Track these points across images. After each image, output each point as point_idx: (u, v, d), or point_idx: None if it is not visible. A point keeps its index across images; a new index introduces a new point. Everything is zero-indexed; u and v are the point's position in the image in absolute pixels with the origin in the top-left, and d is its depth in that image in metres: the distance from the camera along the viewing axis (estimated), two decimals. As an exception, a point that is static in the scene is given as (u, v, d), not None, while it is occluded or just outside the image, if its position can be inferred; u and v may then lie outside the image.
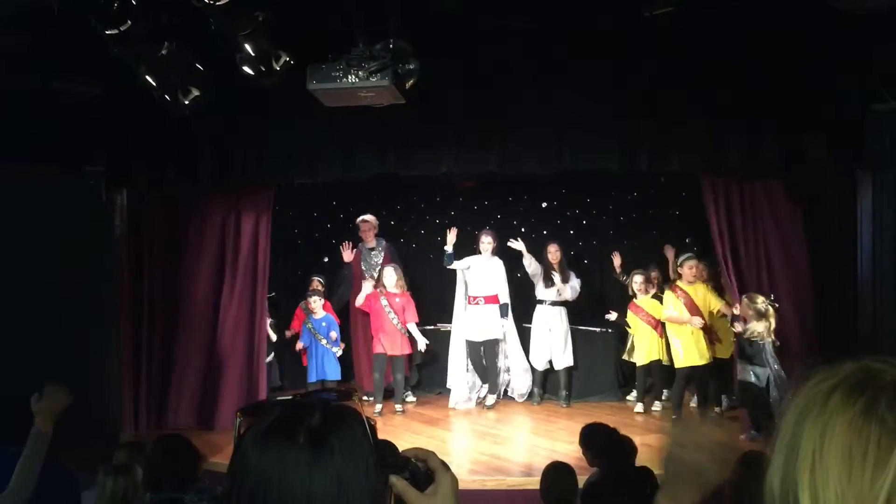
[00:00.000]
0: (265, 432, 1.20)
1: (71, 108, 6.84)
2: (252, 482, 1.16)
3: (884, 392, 0.89)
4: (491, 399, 8.97)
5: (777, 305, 7.00)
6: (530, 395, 9.10)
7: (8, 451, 3.47)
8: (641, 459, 4.79)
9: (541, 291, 8.90)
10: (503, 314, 8.94)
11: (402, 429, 8.07)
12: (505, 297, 8.98)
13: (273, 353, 8.95)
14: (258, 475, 1.16)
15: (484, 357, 8.95)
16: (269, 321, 8.56)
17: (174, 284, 8.15)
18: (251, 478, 1.17)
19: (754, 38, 6.19)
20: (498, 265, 8.95)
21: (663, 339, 8.42)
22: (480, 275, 8.94)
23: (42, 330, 6.80)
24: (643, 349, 8.55)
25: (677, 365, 8.10)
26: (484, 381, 9.05)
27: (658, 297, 8.52)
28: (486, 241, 8.89)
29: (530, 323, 9.03)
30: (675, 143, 6.74)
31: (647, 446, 5.60)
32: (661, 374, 8.55)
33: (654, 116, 6.68)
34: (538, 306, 8.95)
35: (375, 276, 9.00)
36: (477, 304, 8.92)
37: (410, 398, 9.18)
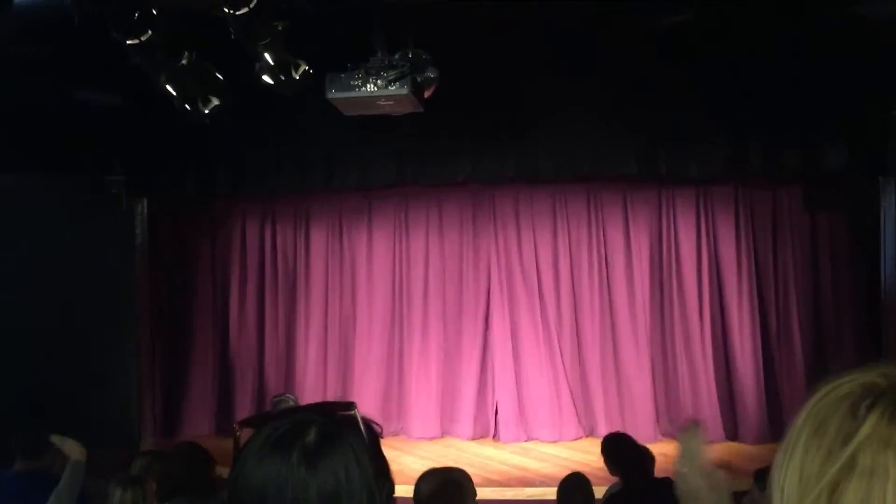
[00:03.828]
0: (262, 448, 1.23)
1: (92, 118, 6.88)
2: (249, 495, 1.20)
3: (883, 396, 0.87)
4: None
5: None
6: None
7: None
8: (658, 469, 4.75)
9: None
10: None
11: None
12: None
13: None
14: (255, 489, 1.20)
15: None
16: None
17: (196, 293, 8.25)
18: (248, 491, 1.21)
19: (774, 44, 6.13)
20: None
21: None
22: None
23: (63, 337, 6.84)
24: None
25: None
26: None
27: None
28: None
29: None
30: (694, 149, 6.70)
31: (663, 455, 5.55)
32: None
33: (672, 123, 6.64)
34: None
35: None
36: None
37: None
